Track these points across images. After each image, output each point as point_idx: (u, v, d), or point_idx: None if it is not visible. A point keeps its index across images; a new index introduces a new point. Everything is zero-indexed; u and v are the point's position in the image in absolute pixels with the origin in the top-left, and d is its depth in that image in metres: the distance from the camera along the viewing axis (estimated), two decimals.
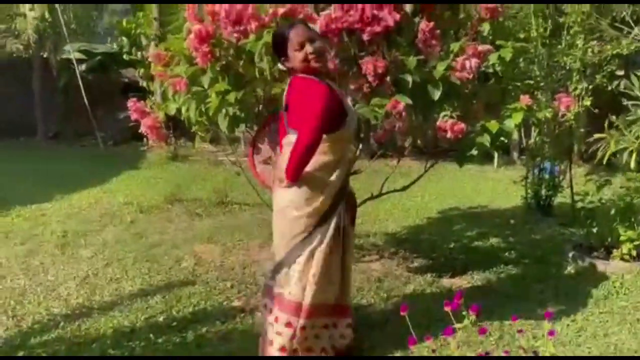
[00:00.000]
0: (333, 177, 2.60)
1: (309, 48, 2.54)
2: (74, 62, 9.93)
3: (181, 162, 9.06)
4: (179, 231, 5.12)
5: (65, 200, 6.13)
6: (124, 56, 9.25)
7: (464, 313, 2.10)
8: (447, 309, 2.01)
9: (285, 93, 2.71)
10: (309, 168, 2.55)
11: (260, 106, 3.69)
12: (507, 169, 9.06)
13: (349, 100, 2.87)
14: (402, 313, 2.10)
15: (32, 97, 10.42)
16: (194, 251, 4.54)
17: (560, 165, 5.91)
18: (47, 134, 10.74)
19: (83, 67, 10.60)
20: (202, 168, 8.49)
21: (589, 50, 5.18)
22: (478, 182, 7.89)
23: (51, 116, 10.82)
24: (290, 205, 2.57)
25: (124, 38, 9.83)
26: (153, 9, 8.61)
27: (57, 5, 9.71)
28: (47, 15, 9.81)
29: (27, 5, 9.76)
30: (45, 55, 10.32)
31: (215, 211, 5.83)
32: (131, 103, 3.83)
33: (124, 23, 9.92)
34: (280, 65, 2.78)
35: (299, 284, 2.58)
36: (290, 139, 2.58)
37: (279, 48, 2.66)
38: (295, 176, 2.53)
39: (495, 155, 9.63)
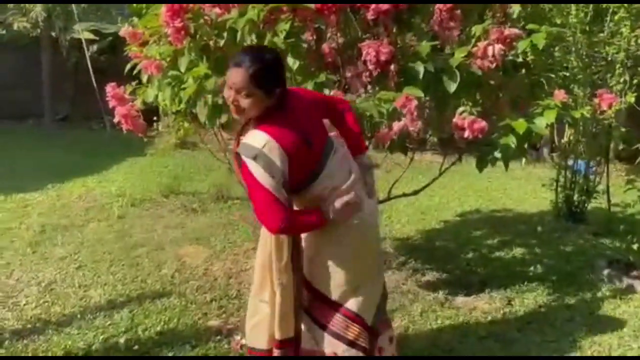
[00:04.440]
0: None
1: None
2: (84, 42, 9.55)
3: (190, 150, 8.63)
4: (169, 229, 4.66)
5: (55, 190, 5.72)
6: None
7: None
8: None
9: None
10: None
11: None
12: (536, 167, 8.42)
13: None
14: None
15: (41, 79, 10.07)
16: (179, 254, 4.09)
17: (596, 166, 5.30)
18: (56, 117, 10.40)
19: (95, 47, 10.23)
20: (209, 157, 8.01)
21: (635, 39, 4.53)
22: (504, 181, 7.26)
23: (60, 98, 10.46)
24: None
25: (134, 18, 9.35)
26: None
27: None
28: None
29: None
30: (54, 35, 9.95)
31: (212, 207, 5.36)
32: (109, 88, 3.39)
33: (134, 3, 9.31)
34: (260, 98, 1.95)
35: None
36: None
37: (279, 73, 2.03)
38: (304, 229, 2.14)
39: None
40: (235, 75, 1.93)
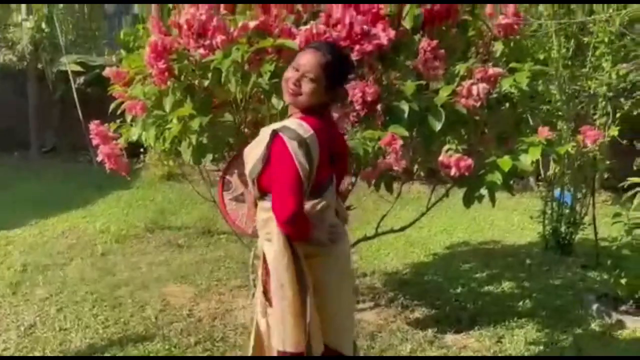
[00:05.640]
0: None
1: None
2: (70, 74, 9.53)
3: (177, 182, 8.57)
4: (153, 266, 4.59)
5: (38, 226, 5.62)
6: None
7: None
8: None
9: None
10: None
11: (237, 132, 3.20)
12: (523, 196, 8.42)
13: None
14: None
15: (27, 111, 10.01)
16: (163, 293, 4.01)
17: (582, 197, 5.30)
18: (42, 149, 10.31)
19: (82, 79, 10.21)
20: (196, 190, 7.95)
21: (617, 72, 4.59)
22: (491, 211, 7.25)
23: (47, 130, 10.39)
24: None
25: (122, 51, 9.34)
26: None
27: (54, 16, 9.34)
28: (43, 25, 9.46)
29: (22, 15, 9.41)
30: (41, 67, 9.92)
31: (198, 242, 5.30)
32: (93, 126, 3.37)
33: (122, 35, 9.34)
34: (321, 88, 2.02)
35: None
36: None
37: (346, 74, 2.17)
38: (303, 234, 2.04)
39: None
40: (310, 58, 2.01)
